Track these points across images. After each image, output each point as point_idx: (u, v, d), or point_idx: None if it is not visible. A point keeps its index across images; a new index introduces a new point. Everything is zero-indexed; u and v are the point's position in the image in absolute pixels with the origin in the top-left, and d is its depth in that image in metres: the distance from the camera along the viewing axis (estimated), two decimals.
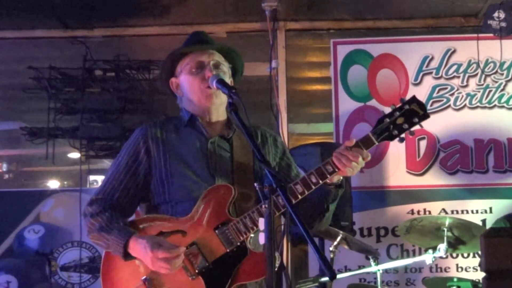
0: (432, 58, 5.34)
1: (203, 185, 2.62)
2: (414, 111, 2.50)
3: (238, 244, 2.54)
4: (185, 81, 2.76)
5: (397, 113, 2.51)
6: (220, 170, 2.67)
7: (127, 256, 2.56)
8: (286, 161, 2.85)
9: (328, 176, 2.52)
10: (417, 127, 2.54)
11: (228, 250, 2.55)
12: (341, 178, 2.62)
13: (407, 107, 2.51)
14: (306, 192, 2.52)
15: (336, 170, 2.52)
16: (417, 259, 4.52)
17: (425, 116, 2.51)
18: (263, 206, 2.17)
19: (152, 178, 2.69)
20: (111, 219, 2.62)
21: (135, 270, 2.59)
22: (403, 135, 2.53)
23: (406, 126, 2.51)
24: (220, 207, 2.58)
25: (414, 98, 2.53)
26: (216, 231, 2.56)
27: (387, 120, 2.51)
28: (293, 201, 2.49)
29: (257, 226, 2.52)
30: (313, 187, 2.52)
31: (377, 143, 2.53)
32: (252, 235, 2.56)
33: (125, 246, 2.55)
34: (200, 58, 2.73)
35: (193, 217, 2.60)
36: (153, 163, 2.69)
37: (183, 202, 2.62)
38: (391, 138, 2.53)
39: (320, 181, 2.52)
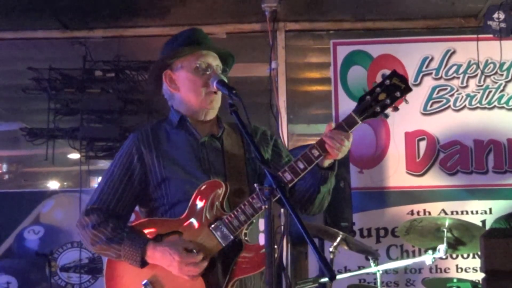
0: (432, 59, 5.34)
1: (199, 185, 2.62)
2: (396, 86, 2.45)
3: (233, 238, 2.55)
4: (185, 78, 2.74)
5: (378, 89, 2.46)
6: (214, 169, 2.68)
7: (144, 264, 2.58)
8: (276, 150, 2.85)
9: (315, 160, 2.51)
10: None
11: (224, 246, 2.55)
12: (332, 161, 2.59)
13: (388, 82, 2.46)
14: (295, 179, 2.51)
15: (323, 153, 2.50)
16: (417, 259, 4.51)
17: (407, 89, 2.45)
18: (263, 206, 2.17)
19: (149, 184, 2.70)
20: (116, 228, 2.63)
21: (137, 274, 2.60)
22: (386, 111, 2.47)
23: (388, 101, 2.45)
24: (213, 204, 2.59)
25: (394, 72, 2.48)
26: (211, 227, 2.57)
27: (369, 97, 2.47)
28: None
29: (250, 218, 2.53)
30: (302, 173, 2.51)
31: (360, 122, 2.48)
32: (246, 228, 2.57)
33: (142, 254, 2.56)
34: (207, 59, 2.73)
35: (188, 217, 2.61)
36: (148, 169, 2.69)
37: (181, 203, 2.63)
38: (375, 115, 2.47)
39: (308, 167, 2.51)
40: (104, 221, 2.64)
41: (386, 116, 2.50)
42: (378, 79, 5.74)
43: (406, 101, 2.48)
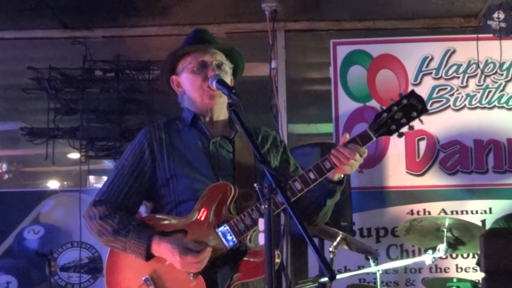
0: (431, 59, 5.34)
1: (208, 184, 2.62)
2: (413, 106, 2.46)
3: (238, 242, 2.55)
4: (187, 80, 2.76)
5: (395, 108, 2.47)
6: (223, 170, 2.68)
7: (149, 257, 2.58)
8: (285, 158, 2.85)
9: (326, 172, 2.52)
10: (416, 122, 2.50)
11: (228, 249, 2.55)
12: (342, 175, 2.60)
13: (405, 101, 2.47)
14: (305, 189, 2.52)
15: (334, 166, 2.51)
16: (417, 259, 4.51)
17: (424, 110, 2.46)
18: (263, 206, 2.17)
19: (157, 179, 2.70)
20: (123, 221, 2.63)
21: (138, 270, 2.61)
22: (402, 130, 2.49)
23: (404, 120, 2.47)
24: (220, 206, 2.59)
25: (412, 93, 2.49)
26: (217, 229, 2.57)
27: (385, 115, 2.48)
28: (292, 199, 2.49)
29: (256, 224, 2.52)
30: (312, 183, 2.51)
31: (375, 139, 2.50)
32: (252, 233, 2.57)
33: (147, 248, 2.56)
34: (203, 57, 2.73)
35: (194, 216, 2.60)
36: (157, 165, 2.69)
37: (188, 202, 2.63)
38: (390, 133, 2.49)
39: (319, 178, 2.51)
40: (111, 213, 2.64)
41: (401, 135, 2.50)
42: (378, 78, 5.78)
43: (421, 122, 2.49)
